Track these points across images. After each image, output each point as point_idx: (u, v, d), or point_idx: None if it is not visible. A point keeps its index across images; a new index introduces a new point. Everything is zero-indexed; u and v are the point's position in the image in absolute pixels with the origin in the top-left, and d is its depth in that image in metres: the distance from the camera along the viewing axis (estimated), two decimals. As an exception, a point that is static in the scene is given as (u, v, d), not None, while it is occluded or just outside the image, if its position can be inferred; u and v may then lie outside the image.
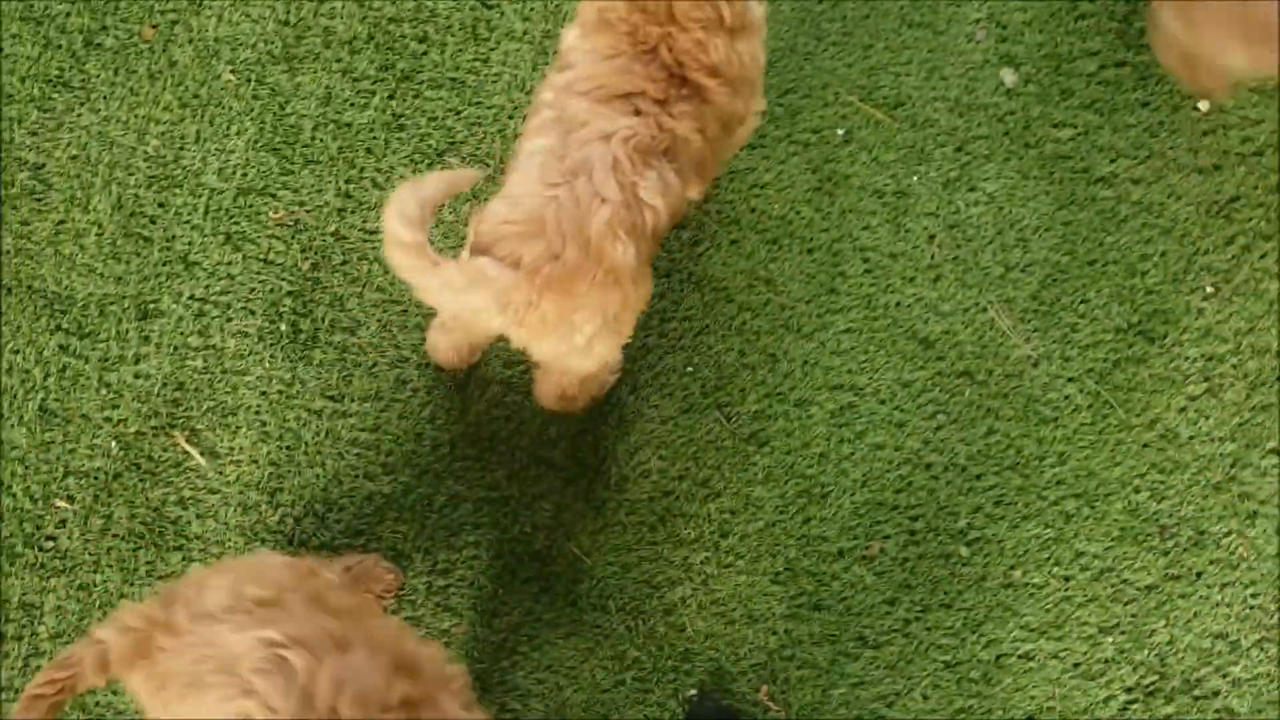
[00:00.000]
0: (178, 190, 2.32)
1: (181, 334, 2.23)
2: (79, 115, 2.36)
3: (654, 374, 2.24)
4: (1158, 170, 2.41)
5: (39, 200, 2.30)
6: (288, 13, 2.43)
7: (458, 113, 2.38)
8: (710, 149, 1.83)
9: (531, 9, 2.47)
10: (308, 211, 2.31)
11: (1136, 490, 2.21)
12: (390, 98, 2.38)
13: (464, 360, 2.12)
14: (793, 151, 2.41)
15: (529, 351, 1.80)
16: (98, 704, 2.04)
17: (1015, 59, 2.48)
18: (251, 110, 2.37)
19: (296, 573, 1.56)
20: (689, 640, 2.10)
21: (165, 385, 2.20)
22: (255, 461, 2.17)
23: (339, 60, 2.41)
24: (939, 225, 2.37)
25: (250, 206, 2.31)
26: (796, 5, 2.49)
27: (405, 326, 2.24)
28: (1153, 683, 2.11)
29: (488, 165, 2.35)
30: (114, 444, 2.16)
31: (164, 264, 2.27)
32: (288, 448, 2.18)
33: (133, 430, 2.17)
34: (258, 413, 2.19)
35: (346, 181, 2.33)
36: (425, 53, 2.42)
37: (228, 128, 2.36)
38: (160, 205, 2.31)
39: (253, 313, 2.25)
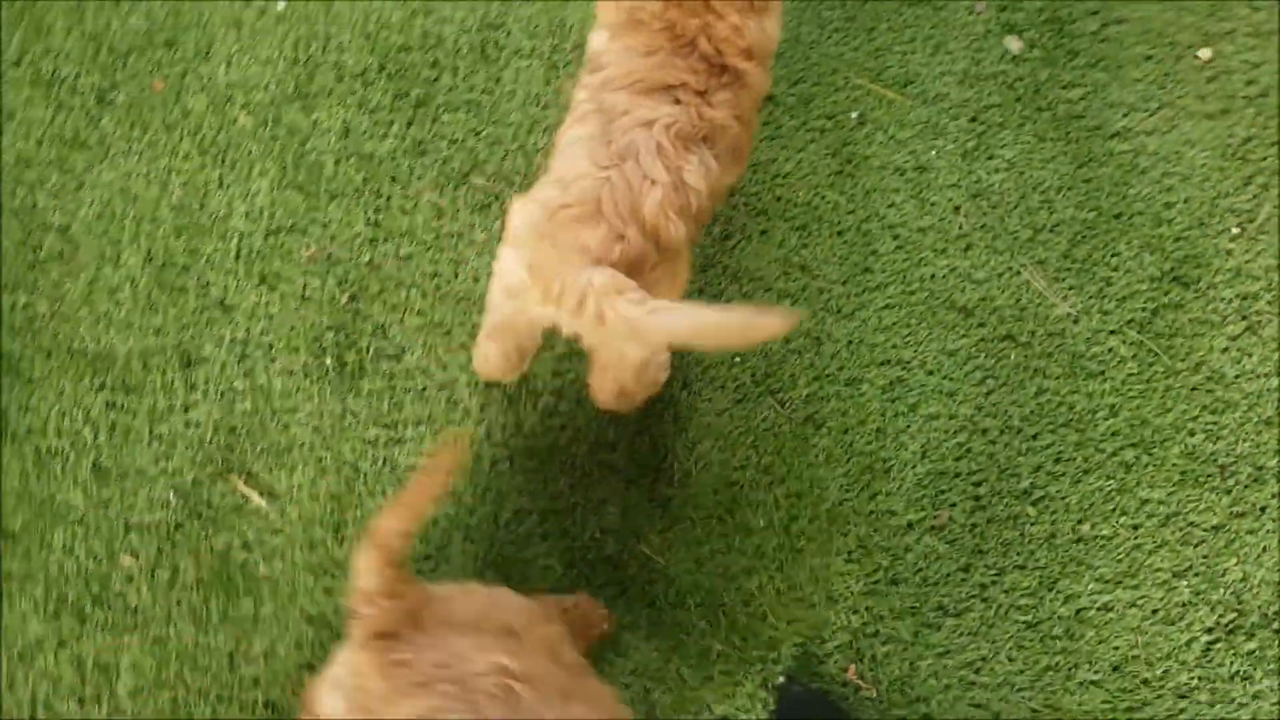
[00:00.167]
0: (207, 237, 2.31)
1: (227, 378, 2.22)
2: (99, 173, 2.35)
3: (703, 369, 2.24)
4: (1169, 120, 2.45)
5: (69, 262, 2.29)
6: (296, 52, 2.44)
7: (477, 133, 2.39)
8: (745, 133, 1.85)
9: (536, 26, 2.49)
10: (339, 245, 2.31)
11: (1191, 433, 2.23)
12: (409, 125, 2.39)
13: (514, 368, 2.11)
14: (810, 139, 2.44)
15: (584, 341, 1.79)
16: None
17: (1017, 26, 2.52)
18: (271, 151, 2.37)
19: (533, 616, 1.58)
20: (771, 628, 2.09)
21: (217, 431, 2.19)
22: (315, 497, 2.16)
23: (353, 93, 2.41)
24: (963, 196, 2.40)
25: (281, 245, 2.31)
26: (796, -4, 2.53)
27: (450, 347, 2.24)
28: (1231, 620, 2.11)
29: (512, 183, 2.36)
30: (172, 495, 2.14)
31: (201, 311, 2.26)
32: (347, 480, 2.17)
33: (189, 479, 2.15)
34: (312, 448, 2.18)
35: (375, 211, 2.33)
36: (437, 78, 2.44)
37: (250, 170, 2.36)
38: (191, 253, 2.30)
39: (296, 350, 2.24)
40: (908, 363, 2.27)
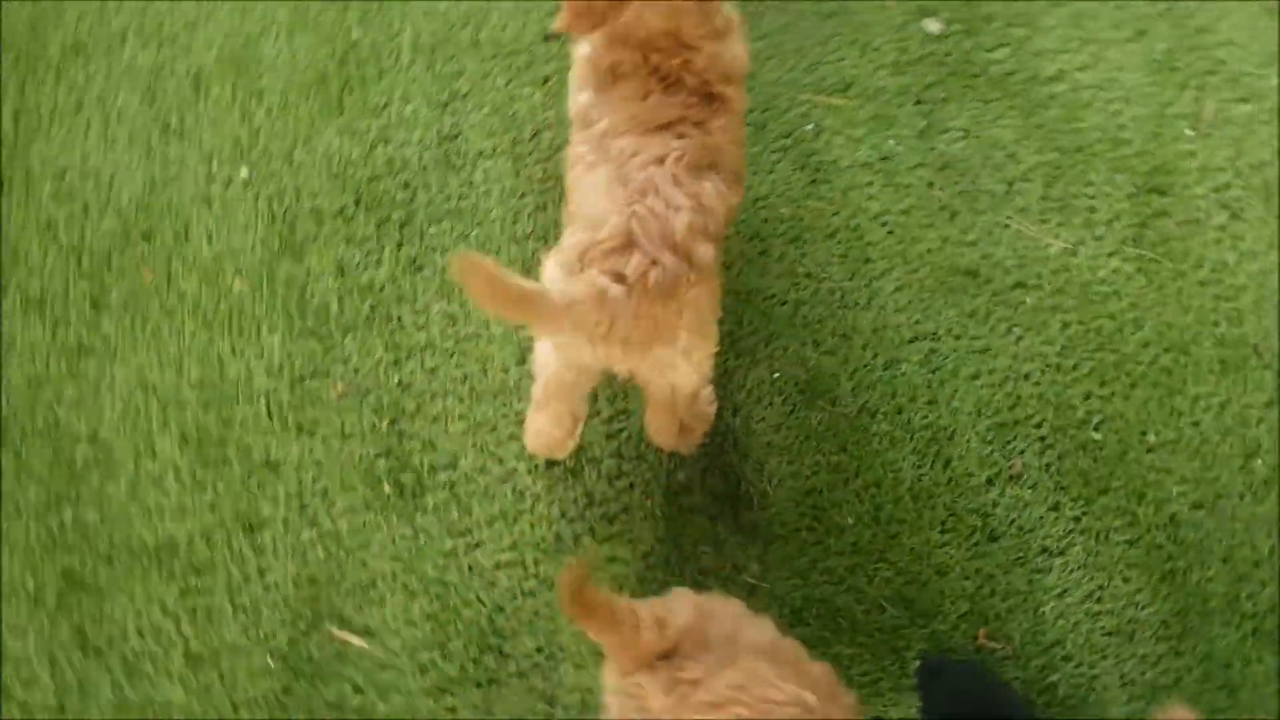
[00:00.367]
0: (234, 404, 2.32)
1: (293, 533, 2.20)
2: (113, 374, 2.35)
3: (747, 392, 2.28)
4: (1095, 54, 2.60)
5: (105, 465, 2.28)
6: (271, 209, 2.49)
7: (466, 236, 2.45)
8: (740, 154, 1.92)
9: (490, 126, 2.57)
10: (365, 375, 2.33)
11: (1215, 324, 2.31)
12: (399, 246, 2.44)
13: (569, 434, 2.13)
14: (776, 159, 2.53)
15: (634, 371, 1.82)
16: None
17: (929, 9, 2.66)
18: (274, 306, 2.40)
19: (802, 655, 1.60)
20: (892, 618, 2.10)
21: (297, 586, 2.16)
22: (412, 623, 2.13)
23: (337, 232, 2.46)
24: (932, 171, 2.50)
25: (309, 392, 2.32)
26: (723, 35, 2.64)
27: (500, 440, 2.25)
28: (1314, 485, 2.17)
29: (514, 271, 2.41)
30: (271, 660, 2.11)
31: (249, 476, 2.26)
32: (437, 596, 2.15)
33: (284, 640, 2.12)
34: (395, 576, 2.17)
35: (390, 334, 2.36)
36: (413, 198, 2.50)
37: (258, 330, 2.38)
38: (224, 424, 2.30)
39: (352, 487, 2.24)
40: (934, 334, 2.33)
